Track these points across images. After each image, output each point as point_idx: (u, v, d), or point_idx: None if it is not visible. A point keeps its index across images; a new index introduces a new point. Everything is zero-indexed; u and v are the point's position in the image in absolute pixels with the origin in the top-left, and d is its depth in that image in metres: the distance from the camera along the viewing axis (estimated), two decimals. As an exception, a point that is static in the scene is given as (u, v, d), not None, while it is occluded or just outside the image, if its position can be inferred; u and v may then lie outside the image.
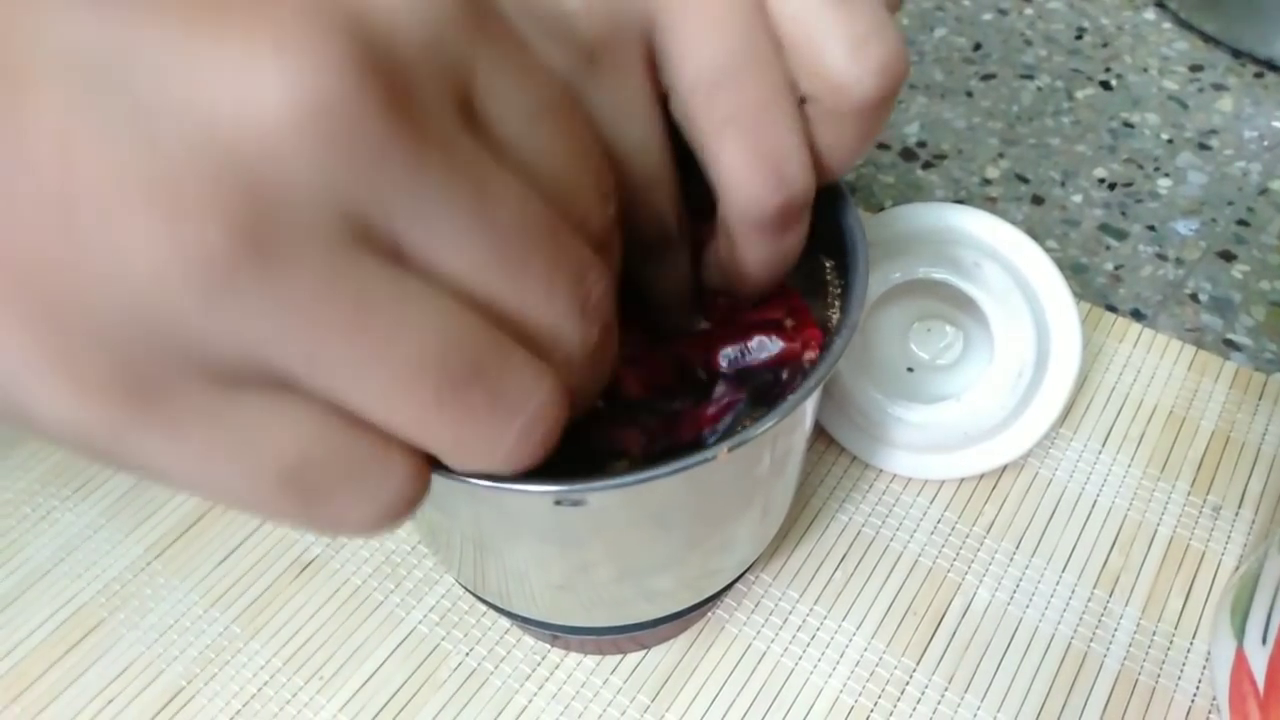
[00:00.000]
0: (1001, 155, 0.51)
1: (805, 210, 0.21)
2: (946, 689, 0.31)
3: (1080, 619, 0.32)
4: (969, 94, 0.54)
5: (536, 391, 0.15)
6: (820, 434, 0.37)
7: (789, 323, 0.28)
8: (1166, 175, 0.49)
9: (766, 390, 0.25)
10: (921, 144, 0.52)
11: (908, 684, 0.31)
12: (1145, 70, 0.55)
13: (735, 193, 0.19)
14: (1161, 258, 0.45)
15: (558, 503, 0.21)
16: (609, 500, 0.21)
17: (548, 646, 0.32)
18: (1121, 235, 0.46)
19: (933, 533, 0.35)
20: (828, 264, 0.27)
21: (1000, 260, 0.34)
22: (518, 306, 0.15)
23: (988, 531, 0.35)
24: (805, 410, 0.24)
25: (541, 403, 0.15)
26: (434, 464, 0.21)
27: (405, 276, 0.13)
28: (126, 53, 0.11)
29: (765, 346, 0.27)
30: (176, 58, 0.11)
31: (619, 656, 0.32)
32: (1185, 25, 0.58)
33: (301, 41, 0.11)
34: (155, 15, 0.11)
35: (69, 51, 0.11)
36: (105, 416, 0.12)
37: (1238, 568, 0.33)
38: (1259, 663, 0.28)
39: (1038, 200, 0.48)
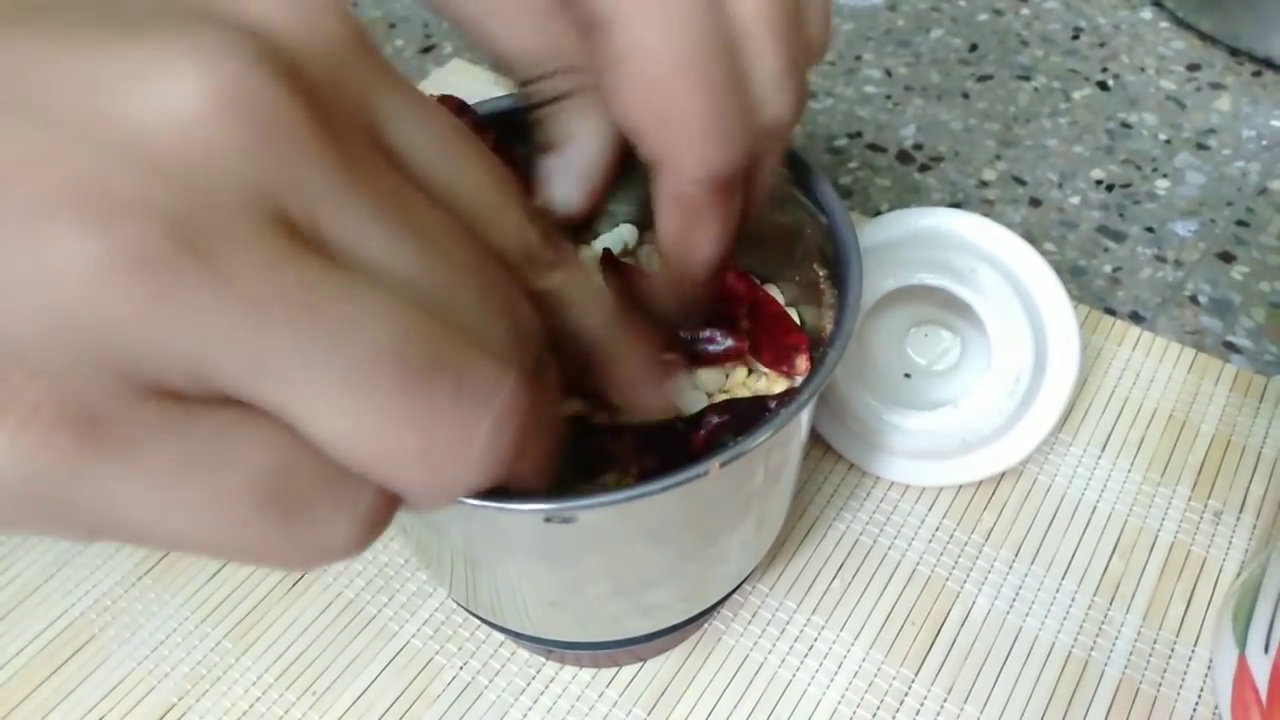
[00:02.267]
0: (998, 157, 0.51)
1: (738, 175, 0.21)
2: (946, 699, 0.31)
3: (1080, 627, 0.32)
4: (965, 95, 0.54)
5: (502, 382, 0.14)
6: (817, 441, 0.37)
7: (745, 324, 0.28)
8: (1165, 176, 0.49)
9: (752, 417, 0.25)
10: (918, 146, 0.51)
11: (906, 694, 0.31)
12: (1142, 70, 0.55)
13: (689, 154, 0.20)
14: (1160, 259, 0.45)
15: (548, 520, 0.21)
16: (600, 517, 0.21)
17: (543, 660, 0.32)
18: (1120, 237, 0.46)
19: (931, 540, 0.34)
20: (821, 273, 0.27)
21: (997, 265, 0.34)
22: (453, 311, 0.14)
23: (986, 539, 0.34)
24: (799, 422, 0.24)
25: (509, 395, 0.14)
26: None
27: (345, 271, 0.13)
28: (38, 72, 0.11)
29: (716, 340, 0.27)
30: (90, 72, 0.11)
31: (614, 669, 0.31)
32: (1182, 24, 0.57)
33: (212, 42, 0.12)
34: (64, 35, 0.12)
35: None
36: (54, 456, 0.12)
37: (1239, 574, 0.33)
38: (1261, 671, 0.27)
39: (1035, 202, 0.48)
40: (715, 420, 0.25)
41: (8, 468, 0.11)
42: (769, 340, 0.28)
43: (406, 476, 0.14)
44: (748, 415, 0.25)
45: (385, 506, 0.14)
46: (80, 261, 0.11)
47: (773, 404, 0.25)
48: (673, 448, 0.25)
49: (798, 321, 0.30)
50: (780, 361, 0.28)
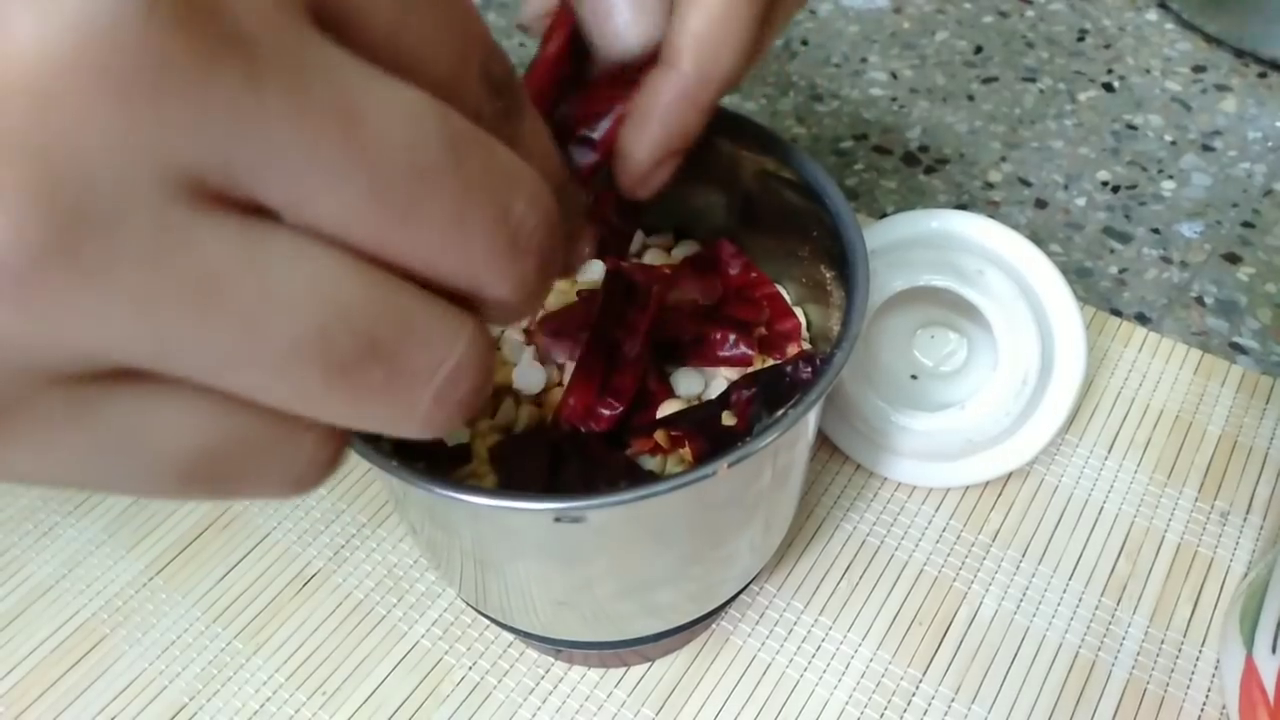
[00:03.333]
0: (1004, 159, 0.51)
1: None
2: (953, 699, 0.31)
3: (1088, 627, 0.32)
4: (971, 97, 0.54)
5: (451, 350, 0.13)
6: (824, 442, 0.37)
7: (761, 330, 0.28)
8: (1170, 177, 0.49)
9: (777, 386, 0.25)
10: (924, 148, 0.51)
11: (914, 695, 0.31)
12: (1148, 71, 0.55)
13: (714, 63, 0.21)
14: (1166, 260, 0.45)
15: (557, 520, 0.21)
16: (609, 517, 0.21)
17: (551, 660, 0.32)
18: (1125, 238, 0.46)
19: (938, 541, 0.34)
20: (828, 275, 0.27)
21: (1003, 266, 0.34)
22: (420, 255, 0.12)
23: (993, 539, 0.35)
24: (807, 423, 0.24)
25: (458, 363, 0.13)
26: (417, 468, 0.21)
27: (267, 239, 0.11)
28: None
29: (728, 344, 0.27)
30: None
31: (623, 669, 0.32)
32: (1188, 26, 0.57)
33: None
34: None
35: None
36: None
37: (1246, 574, 0.33)
38: (1269, 671, 0.27)
39: (1041, 204, 0.48)
40: (745, 394, 0.25)
41: None
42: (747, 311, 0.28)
43: (349, 425, 0.13)
44: (773, 384, 0.25)
45: (320, 468, 0.13)
46: None
47: (788, 368, 0.25)
48: (712, 429, 0.25)
49: (804, 322, 0.30)
50: (772, 349, 0.28)
